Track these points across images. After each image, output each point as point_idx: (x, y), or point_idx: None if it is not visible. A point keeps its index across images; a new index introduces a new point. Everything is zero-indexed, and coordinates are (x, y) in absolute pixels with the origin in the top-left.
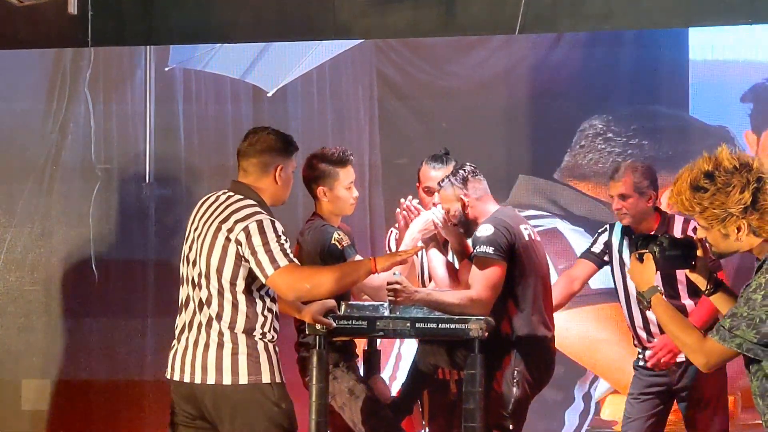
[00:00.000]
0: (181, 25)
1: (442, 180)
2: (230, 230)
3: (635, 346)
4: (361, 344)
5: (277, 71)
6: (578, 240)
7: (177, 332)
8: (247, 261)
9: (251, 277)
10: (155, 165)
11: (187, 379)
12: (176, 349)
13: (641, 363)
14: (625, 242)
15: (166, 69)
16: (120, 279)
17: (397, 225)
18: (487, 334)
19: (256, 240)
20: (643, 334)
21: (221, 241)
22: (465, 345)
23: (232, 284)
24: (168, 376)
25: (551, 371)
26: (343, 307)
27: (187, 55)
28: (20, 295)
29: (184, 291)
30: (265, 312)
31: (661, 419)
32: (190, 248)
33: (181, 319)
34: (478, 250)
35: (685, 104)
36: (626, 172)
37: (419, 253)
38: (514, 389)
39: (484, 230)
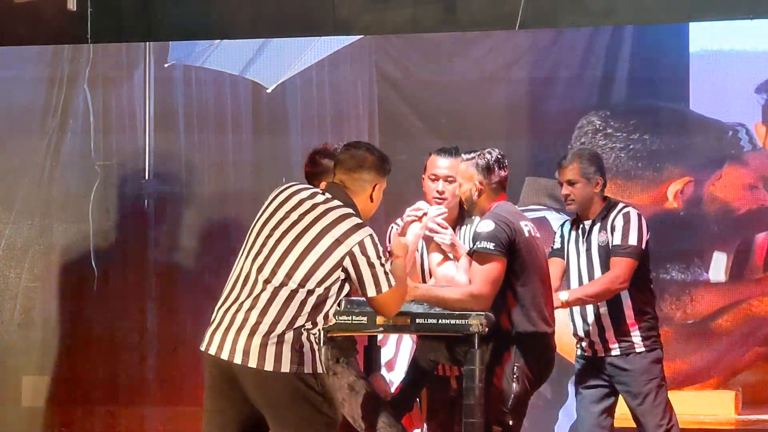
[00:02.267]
0: (181, 22)
1: (468, 152)
2: (345, 235)
3: (573, 335)
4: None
5: (277, 67)
6: None
7: (224, 307)
8: (345, 271)
9: (336, 287)
10: (154, 161)
11: (225, 357)
12: (218, 324)
13: (579, 352)
14: (573, 232)
15: (166, 65)
16: (119, 275)
17: (399, 220)
18: (487, 329)
19: (373, 255)
20: (579, 323)
21: (327, 243)
22: (465, 340)
23: (316, 287)
24: (203, 349)
25: (551, 367)
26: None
27: (186, 52)
28: (20, 291)
29: (245, 265)
30: (320, 319)
31: (612, 406)
32: (273, 226)
33: (233, 294)
34: (479, 246)
35: (685, 99)
36: (573, 158)
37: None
38: (514, 385)
39: (485, 226)
